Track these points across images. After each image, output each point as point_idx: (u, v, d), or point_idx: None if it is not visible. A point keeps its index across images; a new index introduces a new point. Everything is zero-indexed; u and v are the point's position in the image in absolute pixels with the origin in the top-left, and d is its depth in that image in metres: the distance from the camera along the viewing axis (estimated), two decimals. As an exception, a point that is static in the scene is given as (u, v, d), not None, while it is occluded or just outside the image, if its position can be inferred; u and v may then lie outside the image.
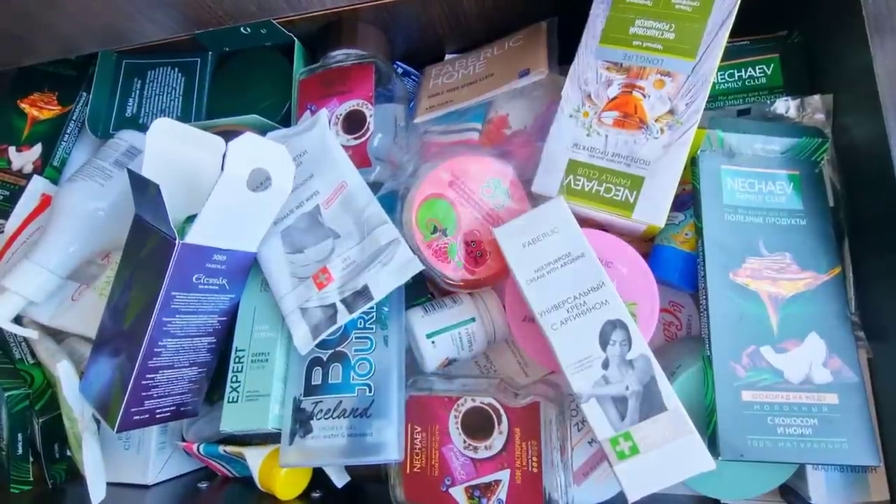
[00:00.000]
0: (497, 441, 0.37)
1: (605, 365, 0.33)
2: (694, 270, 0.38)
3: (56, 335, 0.46)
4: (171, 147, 0.40)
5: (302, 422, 0.37)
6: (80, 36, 0.43)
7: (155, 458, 0.45)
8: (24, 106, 0.52)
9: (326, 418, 0.36)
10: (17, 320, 0.44)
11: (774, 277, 0.36)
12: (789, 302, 0.35)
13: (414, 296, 0.43)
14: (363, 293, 0.37)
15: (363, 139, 0.44)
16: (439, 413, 0.38)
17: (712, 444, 0.34)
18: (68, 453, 0.45)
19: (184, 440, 0.45)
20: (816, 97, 0.40)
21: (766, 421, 0.33)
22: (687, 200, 0.40)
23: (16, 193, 0.49)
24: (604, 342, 0.33)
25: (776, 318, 0.35)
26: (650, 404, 0.32)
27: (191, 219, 0.37)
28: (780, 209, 0.37)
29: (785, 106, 0.40)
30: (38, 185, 0.49)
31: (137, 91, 0.51)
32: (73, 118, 0.52)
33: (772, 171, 0.38)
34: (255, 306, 0.41)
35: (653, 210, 0.36)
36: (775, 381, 0.34)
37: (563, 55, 0.45)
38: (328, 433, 0.36)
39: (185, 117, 0.50)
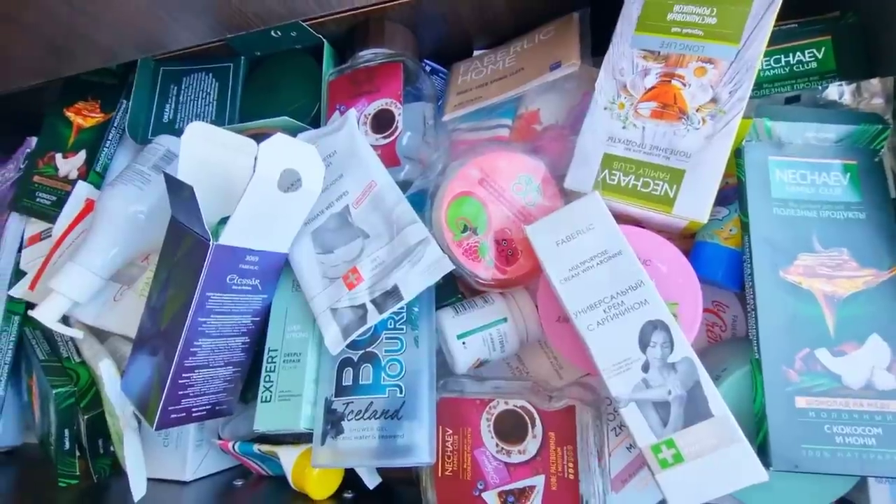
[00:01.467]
0: (531, 445, 0.36)
1: (646, 368, 0.31)
2: (739, 268, 0.36)
3: (100, 335, 0.48)
4: (204, 150, 0.41)
5: (333, 422, 0.37)
6: (118, 45, 0.45)
7: (193, 454, 0.46)
8: (69, 114, 0.54)
9: (357, 419, 0.36)
10: (65, 320, 0.45)
11: (830, 275, 0.33)
12: (847, 301, 0.33)
13: (444, 296, 0.42)
14: (393, 293, 0.37)
15: (392, 138, 0.44)
16: (471, 416, 0.38)
17: (762, 454, 0.32)
18: (112, 449, 0.47)
19: (220, 438, 0.46)
20: (875, 81, 0.37)
21: (822, 429, 0.31)
22: (730, 194, 0.37)
23: (62, 199, 0.51)
24: (643, 344, 0.32)
25: (833, 319, 0.33)
26: (695, 410, 0.30)
27: (224, 220, 0.38)
28: (835, 202, 0.35)
29: (839, 91, 0.37)
30: (82, 191, 0.51)
31: (174, 97, 0.53)
32: (115, 125, 0.53)
33: (826, 161, 0.36)
34: (287, 307, 0.42)
35: (695, 205, 0.34)
36: (833, 387, 0.32)
37: (596, 48, 0.43)
38: (359, 434, 0.36)
39: (219, 121, 0.51)
